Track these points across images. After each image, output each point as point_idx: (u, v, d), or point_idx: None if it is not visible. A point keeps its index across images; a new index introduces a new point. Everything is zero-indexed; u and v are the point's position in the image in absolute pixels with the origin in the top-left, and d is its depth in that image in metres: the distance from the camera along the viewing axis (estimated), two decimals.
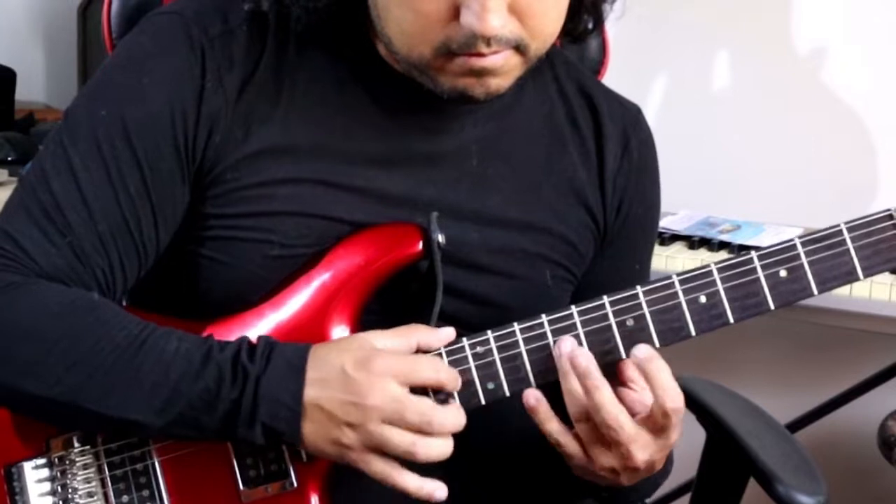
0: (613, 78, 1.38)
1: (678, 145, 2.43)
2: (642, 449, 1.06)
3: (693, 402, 1.42)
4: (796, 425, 2.33)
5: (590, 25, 1.22)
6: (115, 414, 1.04)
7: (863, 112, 2.35)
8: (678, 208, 2.24)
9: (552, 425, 1.07)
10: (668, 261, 2.05)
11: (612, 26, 1.51)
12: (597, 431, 1.06)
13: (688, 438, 1.41)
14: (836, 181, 2.37)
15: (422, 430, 1.03)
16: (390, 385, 1.03)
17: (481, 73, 1.08)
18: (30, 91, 2.92)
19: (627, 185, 1.26)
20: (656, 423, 1.05)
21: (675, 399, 1.05)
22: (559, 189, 1.23)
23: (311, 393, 1.03)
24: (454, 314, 1.15)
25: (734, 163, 2.44)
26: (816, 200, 2.37)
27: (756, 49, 2.41)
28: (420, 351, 1.08)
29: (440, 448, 1.04)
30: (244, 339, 1.06)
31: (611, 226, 1.25)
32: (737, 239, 2.08)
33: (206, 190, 1.13)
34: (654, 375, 1.05)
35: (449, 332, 1.09)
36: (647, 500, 1.38)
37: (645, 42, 2.42)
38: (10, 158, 2.46)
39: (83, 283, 1.09)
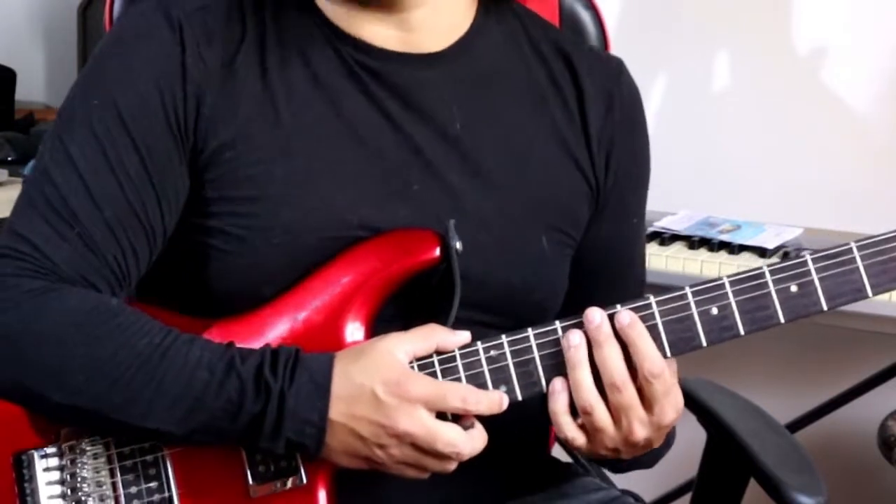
0: None
1: (678, 145, 2.44)
2: (641, 425, 1.08)
3: (693, 403, 1.42)
4: (796, 425, 2.33)
5: None
6: (138, 423, 1.05)
7: (863, 112, 2.35)
8: (678, 208, 2.24)
9: (566, 418, 1.08)
10: (669, 261, 2.05)
11: (612, 26, 1.52)
12: (600, 419, 1.07)
13: (688, 438, 1.41)
14: (837, 181, 2.37)
15: (450, 458, 1.06)
16: (420, 412, 1.04)
17: None
18: (30, 91, 2.92)
19: (613, 145, 1.25)
20: (643, 391, 1.07)
21: (654, 364, 1.07)
22: (549, 151, 1.23)
23: (337, 411, 1.04)
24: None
25: (734, 163, 2.44)
26: (816, 200, 2.37)
27: (756, 49, 2.41)
28: (437, 353, 1.09)
29: (470, 458, 1.07)
30: (266, 351, 1.06)
31: (602, 185, 1.25)
32: (737, 239, 2.08)
33: (203, 172, 1.14)
34: (635, 341, 1.07)
35: (465, 336, 1.10)
36: (647, 500, 1.38)
37: (645, 42, 2.42)
38: (10, 158, 2.46)
39: (98, 271, 1.10)
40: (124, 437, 1.10)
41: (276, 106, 1.15)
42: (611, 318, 1.08)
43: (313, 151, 1.15)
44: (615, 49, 1.49)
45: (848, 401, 2.34)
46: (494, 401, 1.08)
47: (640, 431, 1.08)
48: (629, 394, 1.07)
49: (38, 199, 1.10)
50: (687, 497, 1.52)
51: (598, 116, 1.24)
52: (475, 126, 1.20)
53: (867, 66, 2.33)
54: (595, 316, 1.08)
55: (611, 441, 1.09)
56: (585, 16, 1.48)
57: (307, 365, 1.05)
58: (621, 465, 1.22)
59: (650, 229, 2.14)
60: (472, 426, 1.07)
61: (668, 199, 2.26)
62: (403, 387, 1.04)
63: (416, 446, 1.05)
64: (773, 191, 2.39)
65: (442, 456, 1.06)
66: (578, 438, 1.09)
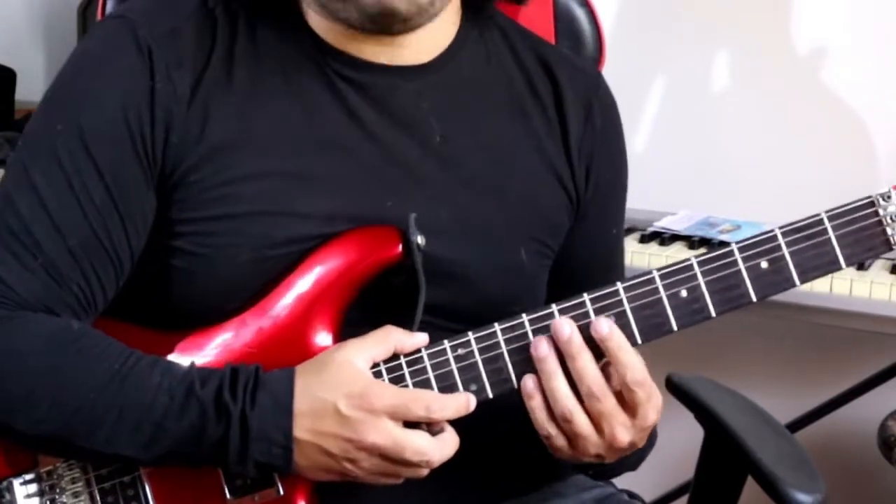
0: (613, 78, 1.37)
1: (678, 145, 2.44)
2: (624, 429, 1.07)
3: (691, 400, 1.42)
4: (796, 425, 2.32)
5: None
6: (103, 449, 1.05)
7: (863, 112, 2.35)
8: (678, 208, 2.23)
9: (542, 414, 1.08)
10: (669, 261, 2.03)
11: (610, 26, 1.52)
12: (580, 426, 1.07)
13: (686, 437, 1.41)
14: (837, 181, 2.36)
15: (420, 466, 1.05)
16: (386, 424, 1.04)
17: None
18: (30, 91, 2.91)
19: (594, 151, 1.25)
20: (624, 399, 1.06)
21: (636, 372, 1.06)
22: (529, 162, 1.22)
23: (302, 428, 1.04)
24: (429, 301, 1.13)
25: (734, 163, 2.43)
26: (816, 200, 2.34)
27: (756, 49, 2.41)
28: (395, 356, 1.08)
29: (441, 463, 1.07)
30: (226, 372, 1.05)
31: (582, 194, 1.25)
32: (737, 239, 2.07)
33: (170, 194, 1.12)
34: (615, 353, 1.06)
35: (422, 337, 1.09)
36: (647, 500, 1.38)
37: (643, 41, 2.41)
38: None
39: (62, 301, 1.09)
40: (95, 463, 1.09)
41: (246, 123, 1.13)
42: (581, 323, 1.06)
43: (286, 167, 1.13)
44: (613, 49, 1.49)
45: (848, 401, 2.34)
46: (461, 404, 1.07)
47: (624, 436, 1.08)
48: (609, 402, 1.06)
49: (1, 228, 1.09)
50: (686, 496, 1.52)
51: (577, 124, 1.24)
52: (455, 137, 1.19)
53: (867, 66, 2.32)
54: (564, 329, 1.06)
55: (594, 447, 1.08)
56: (580, 14, 1.48)
57: (267, 384, 1.05)
58: (605, 470, 1.21)
59: (650, 229, 2.14)
60: (441, 431, 1.07)
61: (668, 199, 2.27)
62: (367, 399, 1.04)
63: (386, 457, 1.04)
64: (773, 191, 2.39)
65: (411, 464, 1.05)
66: (559, 438, 1.08)
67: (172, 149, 1.11)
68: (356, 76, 1.16)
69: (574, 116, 1.24)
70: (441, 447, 1.06)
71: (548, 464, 1.19)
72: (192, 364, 1.07)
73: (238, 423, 1.03)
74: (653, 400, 1.08)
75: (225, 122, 1.13)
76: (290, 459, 1.04)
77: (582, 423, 1.07)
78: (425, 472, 1.07)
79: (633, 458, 1.17)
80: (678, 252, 2.06)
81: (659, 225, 2.16)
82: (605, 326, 1.06)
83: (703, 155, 2.45)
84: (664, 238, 2.12)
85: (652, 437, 1.17)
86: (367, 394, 1.04)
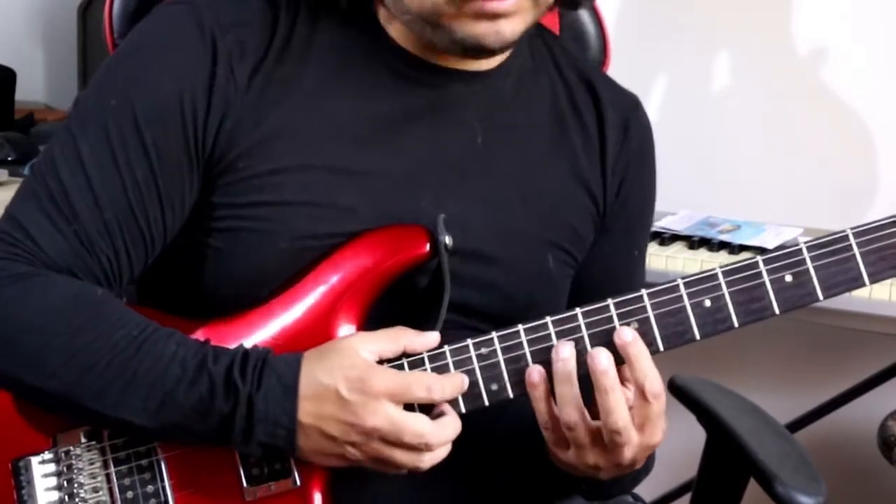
0: (613, 77, 1.38)
1: (678, 145, 2.43)
2: (629, 448, 1.07)
3: (693, 402, 1.42)
4: (796, 425, 2.33)
5: None
6: (110, 413, 1.05)
7: (863, 112, 2.35)
8: (678, 208, 2.24)
9: (544, 405, 1.07)
10: (669, 261, 2.05)
11: (612, 26, 1.52)
12: (581, 438, 1.07)
13: (688, 438, 1.41)
14: (837, 181, 2.37)
15: (420, 449, 1.05)
16: (385, 406, 1.04)
17: (494, 16, 1.09)
18: (30, 91, 2.92)
19: (627, 171, 1.27)
20: (639, 411, 1.06)
21: (654, 383, 1.05)
22: (562, 173, 1.24)
23: (306, 412, 1.04)
24: (457, 300, 1.14)
25: (734, 163, 2.44)
26: (816, 200, 2.37)
27: (756, 49, 2.41)
28: (405, 354, 1.09)
29: (441, 455, 1.07)
30: (239, 351, 1.06)
31: (610, 210, 1.26)
32: (737, 239, 2.08)
33: (216, 179, 1.13)
34: (636, 360, 1.05)
35: (434, 337, 1.09)
36: (647, 500, 1.38)
37: (645, 42, 2.42)
38: (10, 158, 2.45)
39: (89, 269, 1.10)
40: (96, 426, 1.10)
41: (298, 114, 1.14)
42: (604, 328, 1.06)
43: (332, 160, 1.14)
44: (615, 50, 1.49)
45: (848, 401, 2.34)
46: (456, 385, 1.07)
47: (628, 453, 1.07)
48: (628, 434, 1.06)
49: (41, 190, 1.10)
50: (687, 497, 1.52)
51: (615, 142, 1.26)
52: (495, 143, 1.20)
53: (867, 66, 2.33)
54: (602, 359, 1.05)
55: (594, 458, 1.08)
56: (585, 15, 1.48)
57: (275, 367, 1.05)
58: (600, 488, 1.20)
59: (650, 229, 2.14)
60: (441, 414, 1.07)
61: (668, 199, 2.26)
62: (366, 383, 1.04)
63: (385, 440, 1.04)
64: (773, 191, 2.39)
65: (411, 447, 1.05)
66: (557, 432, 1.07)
67: (224, 136, 1.13)
68: (415, 74, 1.17)
69: (612, 134, 1.26)
70: (440, 430, 1.06)
71: (553, 479, 1.19)
72: (208, 340, 1.08)
73: (245, 403, 1.04)
74: (663, 419, 1.08)
75: (279, 112, 1.14)
76: (293, 442, 1.05)
77: (582, 435, 1.07)
78: (425, 460, 1.06)
79: (628, 478, 1.17)
80: (678, 252, 2.06)
81: (659, 225, 2.16)
82: (629, 333, 1.06)
83: (703, 155, 2.46)
84: (664, 238, 2.12)
85: (650, 461, 1.16)
86: (366, 377, 1.04)
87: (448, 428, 1.06)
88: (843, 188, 2.36)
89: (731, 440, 1.35)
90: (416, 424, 1.05)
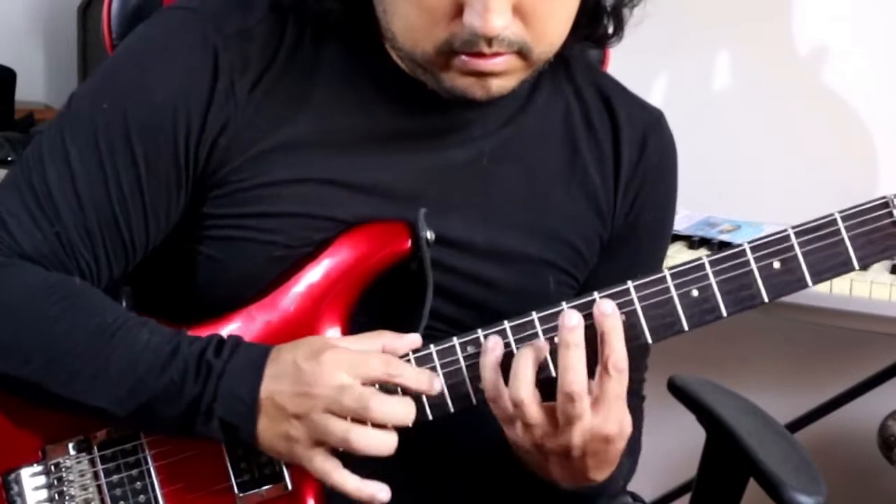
0: (611, 76, 1.38)
1: (678, 145, 2.43)
2: (581, 428, 1.03)
3: (693, 402, 1.42)
4: (796, 425, 2.33)
5: (610, 30, 1.21)
6: (81, 399, 1.05)
7: (863, 112, 2.35)
8: (678, 208, 2.23)
9: (491, 374, 1.04)
10: (669, 261, 2.03)
11: None
12: (533, 417, 1.03)
13: (688, 438, 1.41)
14: (837, 181, 2.36)
15: (359, 416, 1.02)
16: (338, 374, 1.02)
17: (482, 75, 1.07)
18: (30, 91, 2.92)
19: (641, 190, 1.24)
20: (598, 385, 1.02)
21: (619, 359, 1.02)
22: (571, 193, 1.21)
23: (266, 388, 1.03)
24: (454, 318, 1.14)
25: (734, 163, 2.43)
26: (817, 201, 2.35)
27: (757, 49, 2.41)
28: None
29: (378, 439, 1.03)
30: (214, 336, 1.06)
31: (618, 229, 1.24)
32: (737, 239, 2.08)
33: (207, 191, 1.12)
34: (609, 332, 1.02)
35: (414, 339, 1.08)
36: (647, 500, 1.38)
37: (645, 42, 2.41)
38: (10, 158, 2.45)
39: (66, 271, 1.09)
40: (61, 411, 1.08)
41: (297, 129, 1.12)
42: (587, 307, 1.04)
43: (331, 173, 1.13)
44: (615, 50, 1.49)
45: (848, 401, 2.34)
46: (423, 379, 1.05)
47: (577, 436, 1.03)
48: (581, 405, 1.02)
49: (26, 189, 1.09)
50: (687, 497, 1.52)
51: (630, 159, 1.23)
52: (501, 161, 1.18)
53: (867, 66, 2.32)
54: (573, 317, 1.03)
55: (540, 436, 1.04)
56: None
57: (248, 349, 1.05)
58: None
59: None
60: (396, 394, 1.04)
61: None
62: (323, 353, 1.03)
63: (327, 409, 1.01)
64: (773, 191, 2.39)
65: (350, 412, 1.01)
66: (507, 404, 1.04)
67: (219, 152, 1.11)
68: (419, 97, 1.14)
69: (628, 150, 1.23)
70: (385, 402, 1.02)
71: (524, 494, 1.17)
72: (184, 331, 1.08)
73: (215, 380, 1.03)
74: (620, 404, 1.04)
75: (279, 127, 1.12)
76: (253, 420, 1.03)
77: (534, 413, 1.03)
78: (356, 432, 1.01)
79: (611, 482, 1.12)
80: (678, 252, 2.06)
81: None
82: (608, 306, 1.03)
83: (703, 155, 2.45)
84: None
85: (635, 451, 1.13)
86: (324, 349, 1.03)
87: (396, 406, 1.03)
88: (843, 188, 2.36)
89: (731, 440, 1.36)
90: (361, 389, 1.02)
